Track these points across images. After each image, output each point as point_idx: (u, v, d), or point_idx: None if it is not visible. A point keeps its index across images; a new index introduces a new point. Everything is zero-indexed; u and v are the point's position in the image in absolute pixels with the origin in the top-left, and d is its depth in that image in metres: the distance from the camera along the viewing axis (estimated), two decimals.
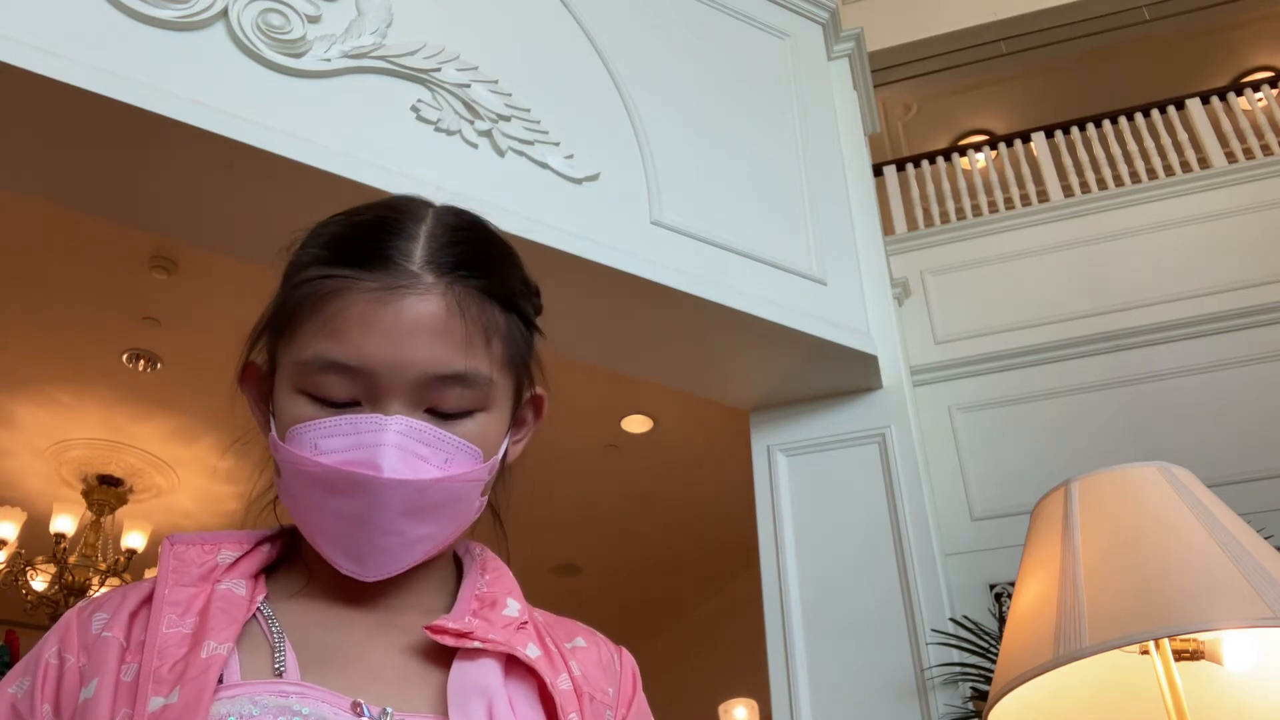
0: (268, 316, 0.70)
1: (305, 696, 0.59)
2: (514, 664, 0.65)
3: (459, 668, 0.63)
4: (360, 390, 0.64)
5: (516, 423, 0.73)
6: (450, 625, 0.64)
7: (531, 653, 0.66)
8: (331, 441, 0.63)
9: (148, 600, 0.65)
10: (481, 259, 0.68)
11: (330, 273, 0.65)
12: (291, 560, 0.72)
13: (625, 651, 0.76)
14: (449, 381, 0.64)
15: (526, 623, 0.70)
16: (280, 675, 0.61)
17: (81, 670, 0.61)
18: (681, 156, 2.96)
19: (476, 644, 0.64)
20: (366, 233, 0.67)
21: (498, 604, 0.70)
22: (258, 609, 0.65)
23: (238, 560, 0.68)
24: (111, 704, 0.58)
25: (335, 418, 0.64)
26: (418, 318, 0.64)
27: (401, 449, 0.63)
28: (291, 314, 0.66)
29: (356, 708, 0.59)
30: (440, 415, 0.65)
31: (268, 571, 0.70)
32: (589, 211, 2.68)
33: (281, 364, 0.67)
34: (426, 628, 0.64)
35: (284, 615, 0.66)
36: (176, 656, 0.60)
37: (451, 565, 0.74)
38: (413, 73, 2.57)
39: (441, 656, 0.65)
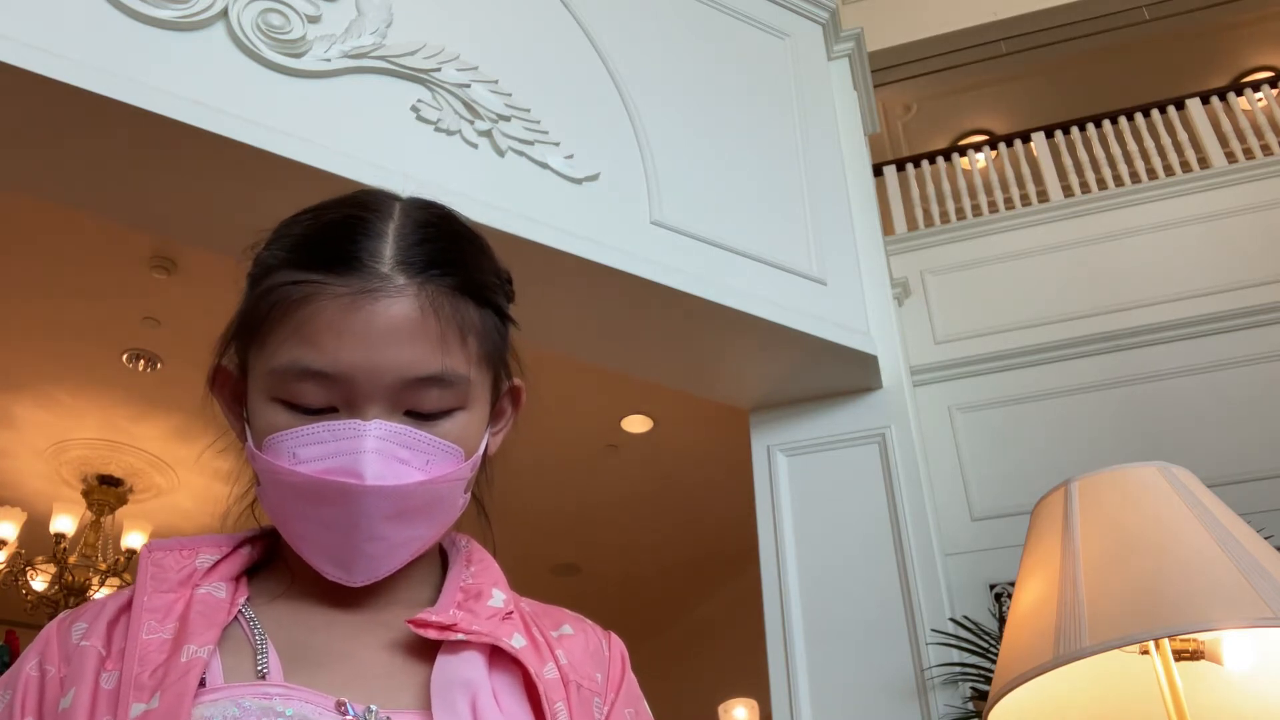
0: (237, 321, 0.69)
1: (289, 698, 0.59)
2: (499, 655, 0.64)
3: (443, 661, 0.63)
4: (336, 396, 0.63)
5: (495, 414, 0.73)
6: (433, 618, 0.64)
7: (517, 643, 0.65)
8: (309, 450, 0.62)
9: (127, 608, 0.64)
10: (452, 255, 0.67)
11: (299, 277, 0.63)
12: (274, 561, 0.72)
13: (614, 636, 0.76)
14: (427, 383, 0.64)
15: (512, 613, 0.69)
16: (263, 677, 0.60)
17: (62, 680, 0.61)
18: (681, 156, 2.96)
19: (460, 636, 0.63)
20: (334, 233, 0.65)
21: (482, 595, 0.69)
22: (239, 611, 0.65)
23: (217, 564, 0.68)
24: (90, 711, 0.58)
25: (312, 425, 0.63)
26: (391, 321, 0.62)
27: (381, 454, 0.62)
28: (261, 320, 0.65)
29: (340, 707, 0.59)
30: (419, 416, 0.65)
31: (251, 573, 0.70)
32: (589, 211, 2.68)
33: (253, 370, 0.66)
34: (409, 621, 0.64)
35: (266, 617, 0.65)
36: (157, 662, 0.59)
37: (436, 558, 0.74)
38: (413, 73, 2.56)
39: (427, 651, 0.64)
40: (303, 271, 0.64)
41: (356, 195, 0.70)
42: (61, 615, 0.66)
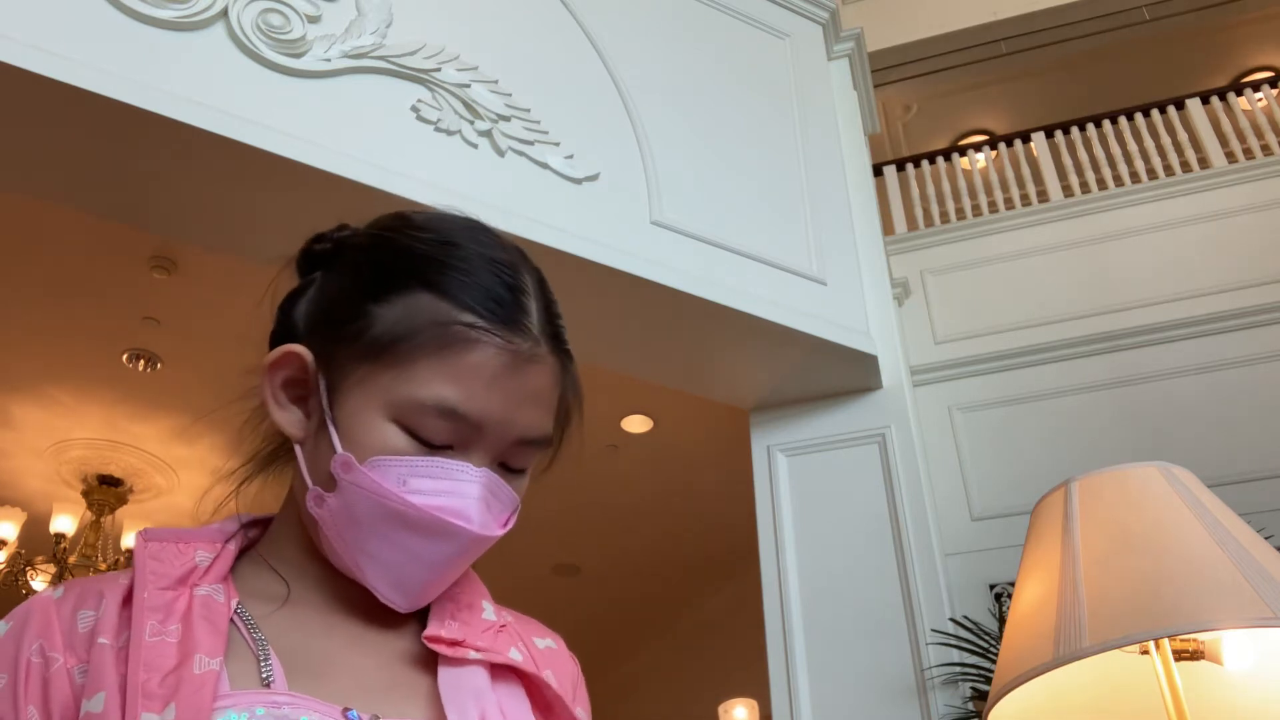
0: (365, 337, 0.66)
1: (297, 706, 0.59)
2: (499, 667, 0.66)
3: (448, 673, 0.64)
4: (458, 437, 0.65)
5: None
6: (444, 634, 0.66)
7: (515, 656, 0.68)
8: (421, 482, 0.63)
9: (126, 601, 0.63)
10: (563, 328, 0.71)
11: (472, 320, 0.64)
12: (251, 557, 0.71)
13: (574, 656, 0.79)
14: (533, 444, 0.67)
15: (505, 625, 0.72)
16: (268, 685, 0.60)
17: (71, 673, 0.59)
18: (681, 156, 2.96)
19: (473, 654, 0.65)
20: (502, 284, 0.67)
21: (474, 607, 0.71)
22: (235, 614, 0.64)
23: (213, 562, 0.67)
24: (119, 715, 0.56)
25: (428, 459, 0.64)
26: (538, 387, 0.66)
27: (484, 501, 0.65)
28: (409, 349, 0.64)
29: (346, 715, 0.60)
30: (507, 469, 0.68)
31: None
32: (589, 211, 2.68)
33: (373, 385, 0.65)
34: (426, 637, 0.66)
35: (266, 624, 0.65)
36: (166, 669, 0.58)
37: None
38: (413, 73, 2.56)
39: (424, 662, 0.66)
40: (472, 315, 0.65)
41: (486, 229, 0.72)
42: (57, 598, 0.63)
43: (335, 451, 0.64)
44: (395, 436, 0.64)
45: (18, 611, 0.63)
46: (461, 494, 0.63)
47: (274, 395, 0.69)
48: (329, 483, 0.65)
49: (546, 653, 0.73)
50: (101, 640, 0.60)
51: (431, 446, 0.64)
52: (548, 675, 0.69)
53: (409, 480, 0.63)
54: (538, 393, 0.66)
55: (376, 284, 0.67)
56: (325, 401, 0.66)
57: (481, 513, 0.64)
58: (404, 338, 0.64)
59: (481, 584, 0.75)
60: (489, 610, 0.71)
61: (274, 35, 2.40)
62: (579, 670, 0.77)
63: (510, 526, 0.68)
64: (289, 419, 0.69)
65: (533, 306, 0.67)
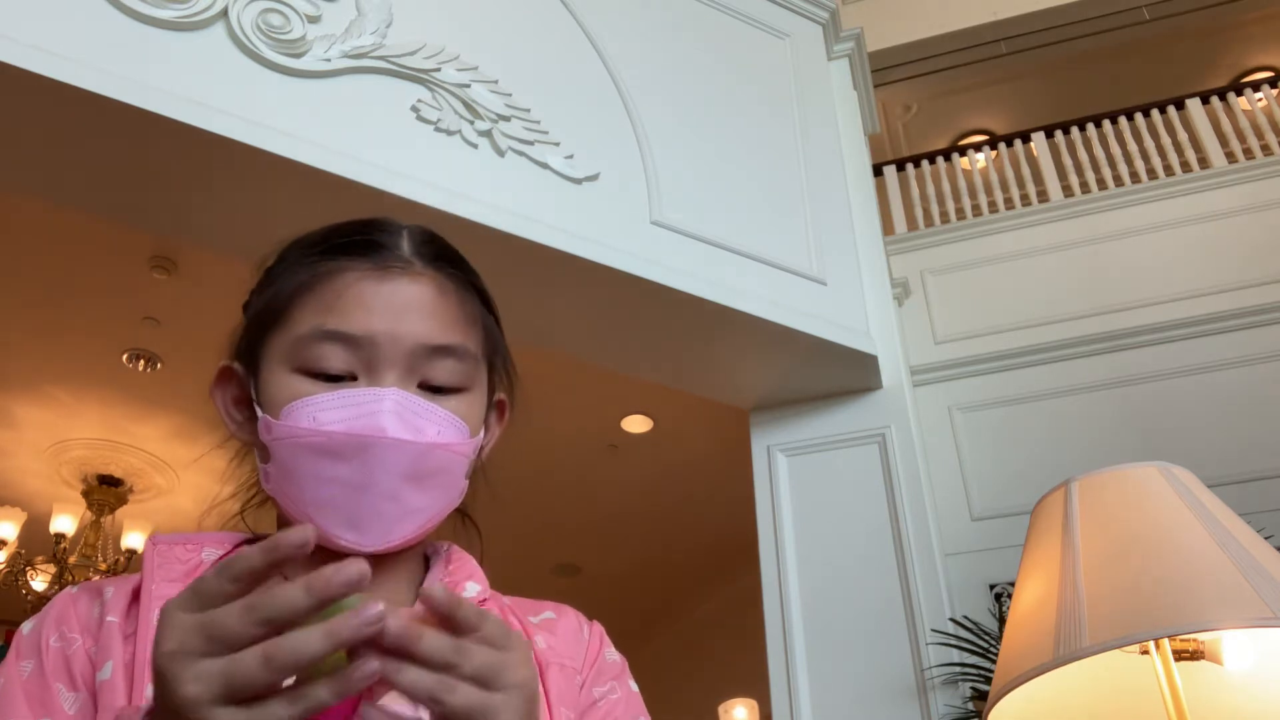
0: (252, 318, 0.72)
1: None
2: None
3: None
4: (357, 362, 0.67)
5: (485, 423, 0.76)
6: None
7: None
8: (330, 414, 0.65)
9: (135, 597, 0.67)
10: (459, 258, 0.74)
11: (324, 259, 0.69)
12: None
13: (596, 623, 0.80)
14: (441, 354, 0.68)
15: (485, 600, 0.73)
16: None
17: (89, 653, 0.63)
18: (681, 156, 2.96)
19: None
20: (353, 229, 0.72)
21: (456, 588, 0.72)
22: None
23: (220, 558, 0.70)
24: (126, 685, 0.61)
25: (332, 393, 0.66)
26: (412, 295, 0.68)
27: (400, 415, 0.65)
28: (286, 301, 0.69)
29: None
30: (431, 390, 0.68)
31: None
32: (589, 211, 2.68)
33: (271, 351, 0.69)
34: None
35: None
36: None
37: (420, 563, 0.77)
38: (413, 73, 2.56)
39: None
40: (326, 256, 0.69)
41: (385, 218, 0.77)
42: (74, 593, 0.68)
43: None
44: (299, 382, 0.67)
45: (41, 611, 0.68)
46: (370, 411, 0.65)
47: (227, 414, 0.74)
48: (267, 456, 0.69)
49: (543, 624, 0.74)
50: (110, 619, 0.65)
51: (335, 380, 0.66)
52: (538, 640, 0.70)
53: (318, 416, 0.65)
54: (418, 302, 0.68)
55: (265, 279, 0.74)
56: (253, 391, 0.70)
57: (397, 423, 0.65)
58: (279, 295, 0.70)
59: (475, 567, 0.76)
60: (471, 589, 0.72)
61: (274, 35, 2.40)
62: (590, 627, 0.78)
63: (454, 440, 0.68)
64: (242, 431, 0.73)
65: (401, 240, 0.71)
